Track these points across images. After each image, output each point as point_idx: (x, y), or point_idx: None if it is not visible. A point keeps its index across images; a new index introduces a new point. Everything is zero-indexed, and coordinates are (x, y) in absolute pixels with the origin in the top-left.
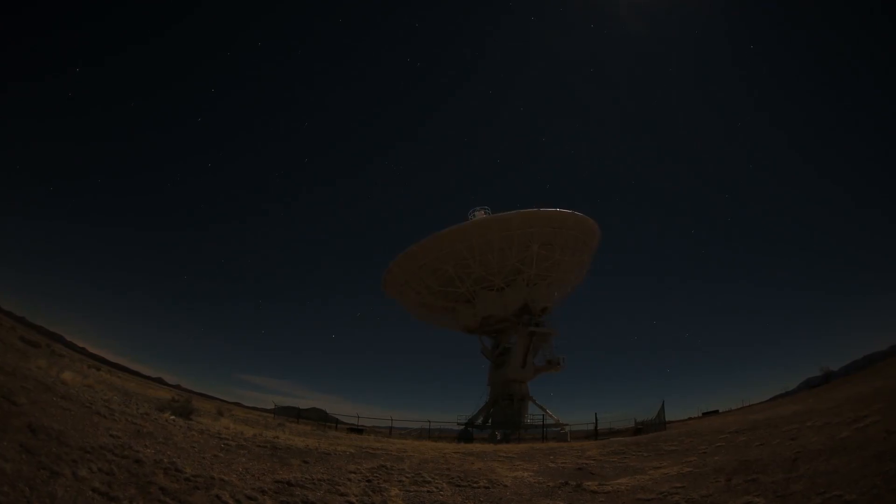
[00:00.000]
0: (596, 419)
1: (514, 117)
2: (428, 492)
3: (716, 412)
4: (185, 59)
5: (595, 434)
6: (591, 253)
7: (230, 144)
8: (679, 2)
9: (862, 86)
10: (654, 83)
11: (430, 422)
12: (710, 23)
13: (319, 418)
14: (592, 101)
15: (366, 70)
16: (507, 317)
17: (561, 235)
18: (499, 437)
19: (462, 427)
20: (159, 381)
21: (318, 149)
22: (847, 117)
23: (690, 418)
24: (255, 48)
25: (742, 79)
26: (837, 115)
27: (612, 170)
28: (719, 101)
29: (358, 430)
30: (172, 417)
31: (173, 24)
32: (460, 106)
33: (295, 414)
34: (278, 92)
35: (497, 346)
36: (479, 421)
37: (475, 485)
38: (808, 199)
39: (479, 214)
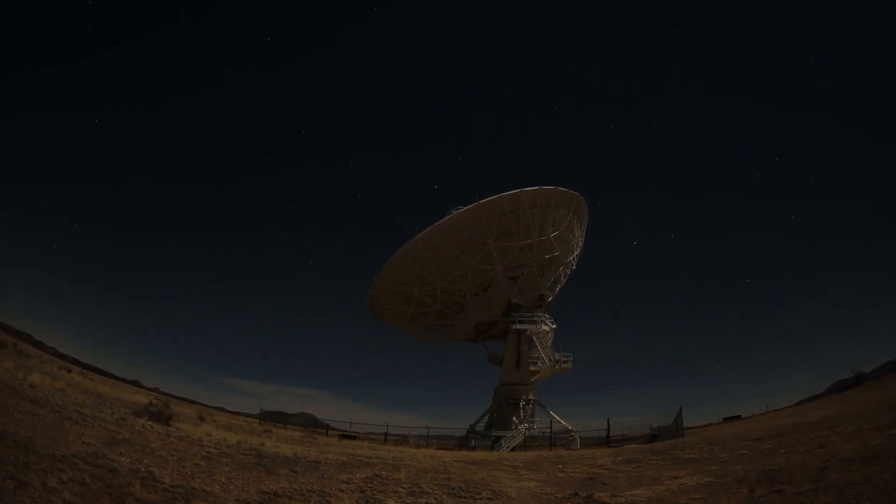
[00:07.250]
0: (608, 425)
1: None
2: (426, 503)
3: (738, 417)
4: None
5: (607, 441)
6: (571, 214)
7: (216, 145)
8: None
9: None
10: (656, 79)
11: (428, 428)
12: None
13: (309, 424)
14: (595, 97)
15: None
16: (497, 319)
17: (519, 220)
18: (504, 445)
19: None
20: (135, 384)
21: (304, 148)
22: (879, 112)
23: (710, 424)
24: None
25: (744, 72)
26: (867, 110)
27: (626, 164)
28: (729, 92)
29: (350, 437)
30: (150, 423)
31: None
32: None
33: (282, 419)
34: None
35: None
36: (481, 427)
37: (477, 496)
38: (837, 192)
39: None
